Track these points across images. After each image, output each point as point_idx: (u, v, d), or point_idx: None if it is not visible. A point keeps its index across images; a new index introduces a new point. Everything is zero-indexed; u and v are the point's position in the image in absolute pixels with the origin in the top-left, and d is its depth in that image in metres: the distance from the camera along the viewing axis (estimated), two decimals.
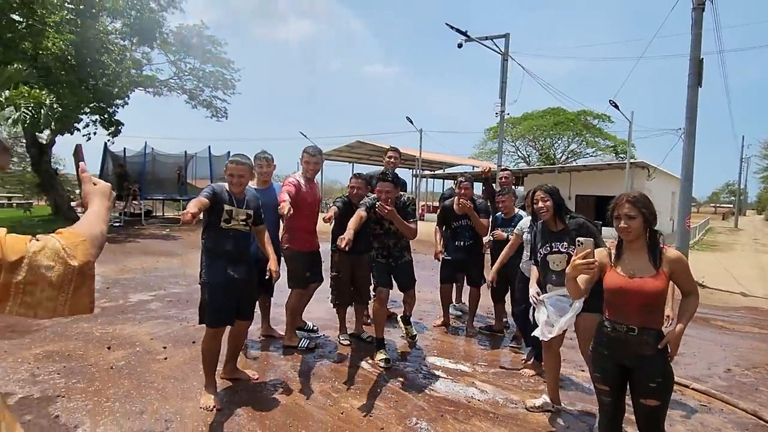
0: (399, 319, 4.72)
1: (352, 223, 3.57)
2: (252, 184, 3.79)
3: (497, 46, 12.80)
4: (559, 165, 27.36)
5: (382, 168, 5.08)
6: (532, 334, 3.30)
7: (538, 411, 3.28)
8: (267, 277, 3.40)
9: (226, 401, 3.20)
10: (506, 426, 3.08)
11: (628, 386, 2.31)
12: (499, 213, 4.80)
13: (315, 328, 4.78)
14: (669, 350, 2.23)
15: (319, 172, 4.59)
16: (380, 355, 4.03)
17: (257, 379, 3.57)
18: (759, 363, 4.71)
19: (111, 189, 1.22)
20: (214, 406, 3.08)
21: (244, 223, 3.26)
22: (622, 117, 18.61)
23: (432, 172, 33.67)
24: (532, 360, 4.07)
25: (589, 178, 22.40)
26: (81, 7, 12.83)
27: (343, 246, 3.22)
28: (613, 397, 2.33)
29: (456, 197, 4.86)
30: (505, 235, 4.55)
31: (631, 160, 19.99)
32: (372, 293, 4.44)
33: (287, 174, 4.95)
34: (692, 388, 3.87)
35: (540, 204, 3.21)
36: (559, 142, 38.57)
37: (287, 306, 4.31)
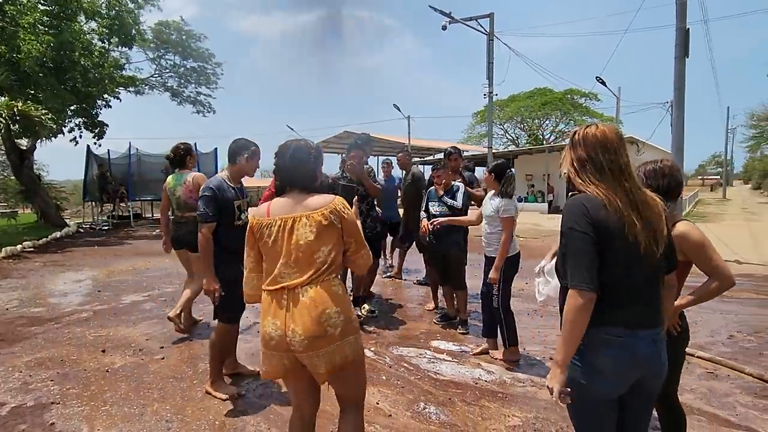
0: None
1: None
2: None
3: (482, 27, 12.65)
4: (549, 145, 27.33)
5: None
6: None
7: None
8: None
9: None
10: (516, 405, 3.03)
11: None
12: (432, 188, 4.57)
13: None
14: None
15: None
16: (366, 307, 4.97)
17: (258, 373, 3.48)
18: (761, 328, 4.71)
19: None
20: (237, 392, 3.10)
21: (247, 212, 3.24)
22: (610, 93, 18.60)
23: (422, 159, 33.55)
24: (486, 344, 3.87)
25: None
26: (56, 7, 12.47)
27: None
28: None
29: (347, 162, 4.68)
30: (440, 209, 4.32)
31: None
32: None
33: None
34: (698, 356, 3.85)
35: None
36: (548, 122, 38.53)
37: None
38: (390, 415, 2.89)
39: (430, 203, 4.51)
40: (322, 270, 1.80)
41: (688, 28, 9.10)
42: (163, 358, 3.80)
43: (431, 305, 5.21)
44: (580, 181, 1.65)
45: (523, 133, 39.93)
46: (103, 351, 3.96)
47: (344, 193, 4.52)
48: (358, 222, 2.03)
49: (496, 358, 3.74)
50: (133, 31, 15.08)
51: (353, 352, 1.87)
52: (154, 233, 13.21)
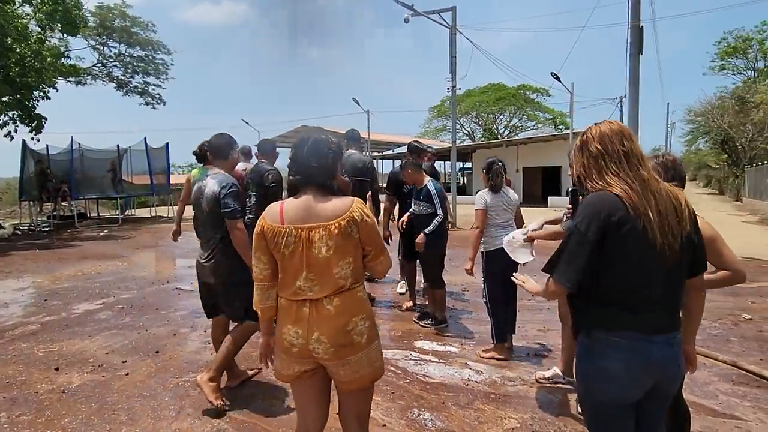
0: None
1: None
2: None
3: (444, 20, 12.63)
4: (506, 139, 27.95)
5: None
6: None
7: (547, 382, 3.19)
8: None
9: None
10: (511, 406, 2.96)
11: None
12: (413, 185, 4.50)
13: None
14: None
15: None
16: None
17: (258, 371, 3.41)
18: (722, 314, 4.92)
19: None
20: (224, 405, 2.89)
21: None
22: (561, 89, 19.20)
23: (381, 153, 33.48)
24: (493, 345, 3.74)
25: (534, 151, 23.04)
26: None
27: None
28: None
29: None
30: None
31: (573, 131, 20.71)
32: None
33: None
34: None
35: None
36: (501, 117, 39.42)
37: None
38: (384, 425, 2.74)
39: (413, 201, 4.45)
40: (345, 285, 1.70)
41: (642, 26, 9.40)
42: (127, 374, 3.46)
43: (409, 303, 5.10)
44: (593, 180, 1.56)
45: (479, 127, 40.69)
46: (57, 369, 3.56)
47: (357, 189, 4.47)
48: (378, 225, 1.88)
49: (482, 357, 3.68)
50: (74, 17, 13.99)
51: (378, 357, 1.81)
52: (101, 234, 12.36)
